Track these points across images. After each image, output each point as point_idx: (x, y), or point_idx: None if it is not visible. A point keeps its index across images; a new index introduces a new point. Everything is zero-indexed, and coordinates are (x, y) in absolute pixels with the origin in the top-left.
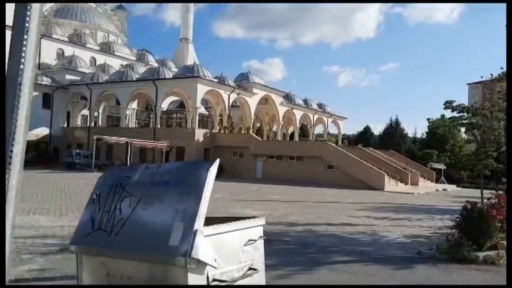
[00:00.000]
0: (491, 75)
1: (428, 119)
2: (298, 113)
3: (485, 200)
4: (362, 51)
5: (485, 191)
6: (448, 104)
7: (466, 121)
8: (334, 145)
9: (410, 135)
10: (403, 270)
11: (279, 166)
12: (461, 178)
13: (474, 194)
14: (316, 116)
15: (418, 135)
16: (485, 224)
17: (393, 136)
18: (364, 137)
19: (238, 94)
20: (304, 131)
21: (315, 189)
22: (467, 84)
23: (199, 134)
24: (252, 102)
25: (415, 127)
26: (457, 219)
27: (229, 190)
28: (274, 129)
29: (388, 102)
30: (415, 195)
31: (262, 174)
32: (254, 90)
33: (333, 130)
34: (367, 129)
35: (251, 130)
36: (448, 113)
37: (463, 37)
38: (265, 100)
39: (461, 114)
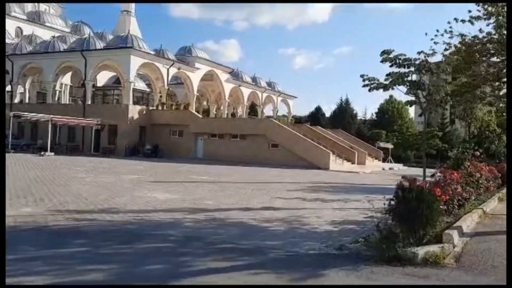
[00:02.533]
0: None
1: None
2: (246, 91)
3: (428, 178)
4: (317, 34)
5: (431, 170)
6: (385, 55)
7: (407, 78)
8: (278, 122)
9: (361, 116)
10: (306, 281)
11: (221, 145)
12: (408, 158)
13: (420, 172)
14: (265, 95)
15: (368, 116)
16: (426, 208)
17: (343, 116)
18: (315, 117)
19: (178, 69)
20: (254, 110)
21: (256, 168)
22: None
23: (134, 111)
24: (195, 77)
25: (365, 108)
26: (390, 202)
27: (157, 171)
28: (222, 108)
29: (342, 85)
30: (360, 174)
31: (203, 154)
32: (197, 65)
33: (284, 110)
34: (318, 110)
35: (193, 107)
36: (386, 68)
37: (414, 22)
38: (210, 77)
39: (401, 69)
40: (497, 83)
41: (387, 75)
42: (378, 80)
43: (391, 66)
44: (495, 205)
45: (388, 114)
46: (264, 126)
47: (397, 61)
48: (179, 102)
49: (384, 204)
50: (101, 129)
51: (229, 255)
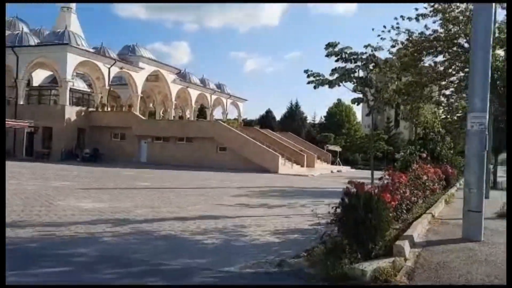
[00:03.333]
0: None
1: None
2: (194, 93)
3: (376, 181)
4: (268, 39)
5: (378, 172)
6: (330, 49)
7: (354, 74)
8: (226, 124)
9: (311, 120)
10: None
11: (167, 149)
12: (355, 160)
13: (367, 175)
14: (214, 97)
15: (317, 120)
16: (376, 218)
17: (293, 119)
18: (266, 120)
19: (120, 68)
20: (203, 113)
21: (203, 173)
22: None
23: (71, 112)
24: (139, 77)
25: (314, 112)
26: (336, 210)
27: (92, 177)
28: (169, 110)
29: (292, 89)
30: (308, 177)
31: (148, 158)
32: (142, 65)
33: (234, 113)
34: (269, 113)
35: (137, 109)
36: (332, 62)
37: (359, 29)
38: (155, 77)
39: (347, 64)
40: (443, 82)
41: (332, 70)
42: (323, 76)
43: (336, 61)
44: (442, 208)
45: (337, 118)
46: (212, 129)
47: (343, 55)
48: (123, 104)
49: (329, 212)
50: (34, 132)
51: (146, 279)
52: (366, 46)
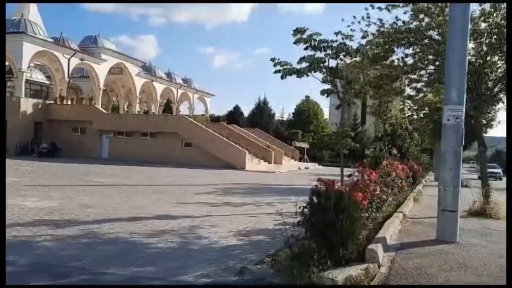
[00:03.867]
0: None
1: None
2: (159, 87)
3: (345, 179)
4: (237, 34)
5: (347, 169)
6: (298, 35)
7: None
8: (191, 119)
9: (279, 116)
10: None
11: (130, 144)
12: (323, 157)
13: (335, 171)
14: (180, 91)
15: (285, 117)
16: (347, 219)
17: (261, 116)
18: (234, 116)
19: (81, 60)
20: (169, 108)
21: (167, 169)
22: None
23: (27, 104)
24: (101, 70)
25: (282, 109)
26: (303, 210)
27: (46, 173)
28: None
29: (260, 86)
30: (276, 174)
31: (109, 153)
32: (104, 57)
33: (202, 109)
34: (237, 109)
35: (98, 102)
36: (301, 50)
37: (327, 27)
38: (119, 70)
39: (316, 52)
40: (413, 76)
41: (301, 59)
42: (291, 65)
43: (305, 49)
44: (412, 206)
45: (305, 115)
46: (177, 124)
47: (312, 43)
48: (84, 97)
49: (296, 214)
50: None
51: None
52: (336, 33)
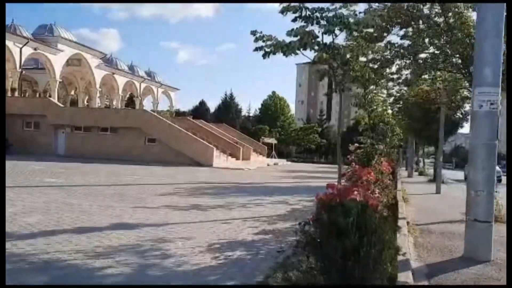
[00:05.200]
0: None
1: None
2: (121, 80)
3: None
4: (202, 29)
5: (315, 165)
6: (287, 3)
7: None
8: (155, 114)
9: (245, 112)
10: None
11: (88, 140)
12: (290, 153)
13: (304, 168)
14: (144, 85)
15: (252, 113)
16: (376, 243)
17: (228, 111)
18: (199, 111)
19: (35, 49)
20: (133, 103)
21: (128, 167)
22: (296, 64)
23: None
24: (58, 61)
25: (249, 104)
26: (304, 227)
27: None
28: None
29: (226, 81)
30: (245, 171)
31: (66, 150)
32: (61, 47)
33: (166, 104)
34: (202, 104)
35: (55, 95)
36: (288, 23)
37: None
38: (77, 61)
39: (308, 25)
40: (408, 61)
41: (289, 31)
42: (276, 40)
43: (294, 20)
44: (406, 209)
45: (271, 110)
46: (139, 118)
47: (303, 12)
48: (38, 90)
49: (296, 233)
50: None
51: None
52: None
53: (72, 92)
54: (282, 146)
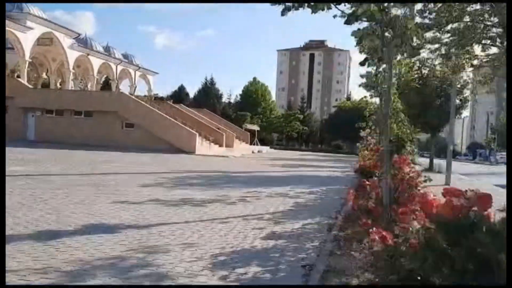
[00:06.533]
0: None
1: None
2: (96, 62)
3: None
4: (181, 14)
5: (299, 153)
6: None
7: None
8: (133, 97)
9: (226, 98)
10: None
11: (61, 124)
12: (271, 140)
13: (290, 155)
14: (120, 68)
15: (233, 99)
16: None
17: (208, 96)
18: (179, 96)
19: None
20: (109, 86)
21: (105, 153)
22: (277, 50)
23: None
24: (27, 39)
25: (230, 90)
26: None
27: None
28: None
29: (206, 67)
30: (230, 158)
31: (37, 135)
32: (30, 24)
33: (144, 88)
34: (182, 89)
35: (24, 77)
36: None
37: (272, 9)
38: (49, 41)
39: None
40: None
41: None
42: None
43: None
44: None
45: (253, 97)
46: (116, 101)
47: None
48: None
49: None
50: None
51: None
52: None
53: (44, 75)
54: (264, 133)
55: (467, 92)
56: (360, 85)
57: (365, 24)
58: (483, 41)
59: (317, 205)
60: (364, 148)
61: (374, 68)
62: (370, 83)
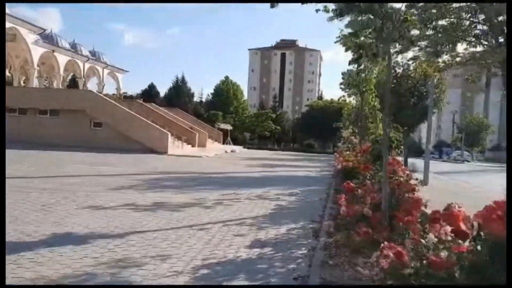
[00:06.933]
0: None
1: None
2: (62, 59)
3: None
4: (150, 12)
5: (272, 152)
6: None
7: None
8: (101, 94)
9: (198, 97)
10: None
11: (24, 124)
12: (244, 139)
13: (264, 155)
14: (88, 65)
15: (204, 98)
16: None
17: (179, 95)
18: (149, 95)
19: None
20: (76, 85)
21: (71, 154)
22: (248, 49)
23: None
24: None
25: (201, 89)
26: None
27: None
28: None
29: (177, 65)
30: (204, 158)
31: None
32: None
33: (113, 86)
34: (152, 88)
35: None
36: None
37: (244, 8)
38: (12, 37)
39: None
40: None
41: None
42: None
43: None
44: None
45: (224, 95)
46: (84, 100)
47: None
48: None
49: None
50: None
51: None
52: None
53: (7, 72)
54: (236, 132)
55: (438, 92)
56: (341, 84)
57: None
58: (468, 39)
59: (299, 208)
60: (346, 148)
61: (356, 66)
62: (352, 82)
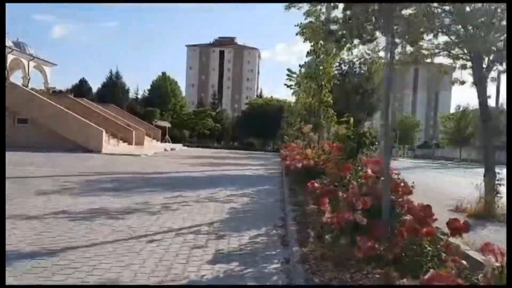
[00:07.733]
0: None
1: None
2: None
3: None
4: (81, 4)
5: (213, 150)
6: None
7: None
8: (27, 88)
9: (133, 94)
10: None
11: None
12: (183, 137)
13: (205, 153)
14: (11, 57)
15: (140, 95)
16: None
17: (113, 91)
18: (80, 90)
19: None
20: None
21: None
22: (186, 45)
23: None
24: None
25: (137, 86)
26: None
27: None
28: None
29: (110, 60)
30: (142, 157)
31: None
32: None
33: (39, 80)
34: (83, 82)
35: None
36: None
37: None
38: None
39: None
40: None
41: None
42: None
43: None
44: None
45: (162, 92)
46: (6, 94)
47: None
48: None
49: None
50: None
51: None
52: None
53: None
54: (175, 130)
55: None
56: (287, 79)
57: None
58: (434, 30)
59: (256, 211)
60: (307, 144)
61: (314, 57)
62: (311, 73)
